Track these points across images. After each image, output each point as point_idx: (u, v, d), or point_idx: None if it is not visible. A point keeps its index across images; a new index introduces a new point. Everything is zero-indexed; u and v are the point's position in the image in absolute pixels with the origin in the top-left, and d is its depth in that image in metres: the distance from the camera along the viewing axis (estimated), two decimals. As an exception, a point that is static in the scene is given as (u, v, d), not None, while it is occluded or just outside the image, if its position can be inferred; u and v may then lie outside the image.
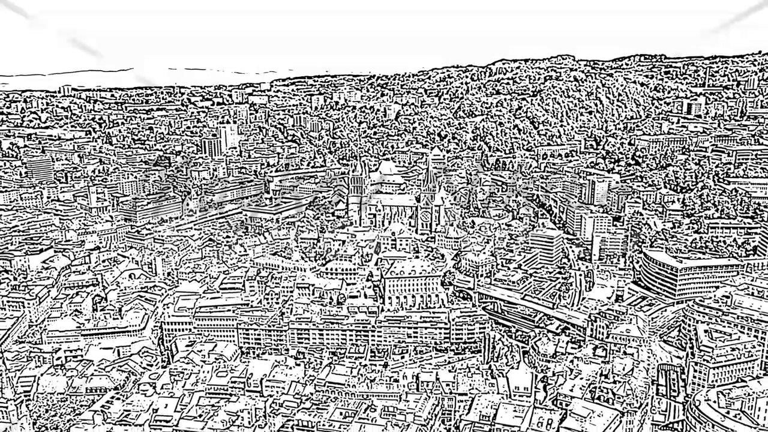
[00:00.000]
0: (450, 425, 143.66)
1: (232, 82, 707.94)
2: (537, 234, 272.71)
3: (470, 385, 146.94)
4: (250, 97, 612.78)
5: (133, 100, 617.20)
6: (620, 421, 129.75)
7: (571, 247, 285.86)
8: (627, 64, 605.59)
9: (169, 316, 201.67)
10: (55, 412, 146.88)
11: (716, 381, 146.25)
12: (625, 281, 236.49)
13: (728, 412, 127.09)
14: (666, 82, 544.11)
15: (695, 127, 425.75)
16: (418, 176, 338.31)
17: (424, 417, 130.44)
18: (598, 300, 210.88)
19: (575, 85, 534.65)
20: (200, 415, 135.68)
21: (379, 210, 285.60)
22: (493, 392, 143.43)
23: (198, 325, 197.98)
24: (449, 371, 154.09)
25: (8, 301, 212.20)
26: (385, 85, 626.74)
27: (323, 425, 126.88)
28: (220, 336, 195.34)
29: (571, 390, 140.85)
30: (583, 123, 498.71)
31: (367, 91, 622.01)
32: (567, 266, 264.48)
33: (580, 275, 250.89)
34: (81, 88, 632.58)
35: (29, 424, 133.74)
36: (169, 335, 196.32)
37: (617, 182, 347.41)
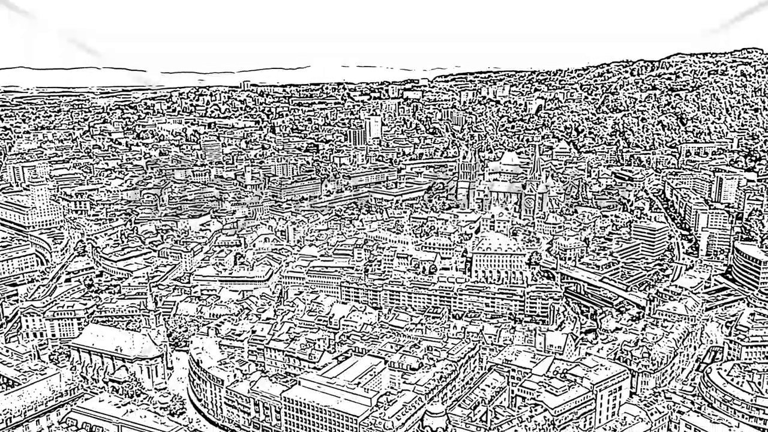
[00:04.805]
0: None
1: (396, 78, 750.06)
2: (639, 225, 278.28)
3: (509, 339, 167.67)
4: (406, 92, 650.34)
5: (301, 94, 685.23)
6: (630, 379, 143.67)
7: (682, 241, 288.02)
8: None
9: (287, 272, 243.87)
10: (185, 328, 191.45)
11: (749, 359, 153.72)
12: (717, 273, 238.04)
13: (732, 380, 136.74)
14: None
15: None
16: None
17: (457, 357, 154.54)
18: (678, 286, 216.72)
19: (741, 80, 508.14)
20: (285, 339, 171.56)
21: (487, 195, 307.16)
22: (528, 346, 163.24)
23: (309, 280, 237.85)
24: (494, 326, 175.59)
25: (170, 252, 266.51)
26: (543, 81, 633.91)
27: (374, 353, 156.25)
28: (327, 291, 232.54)
29: (599, 351, 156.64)
30: (745, 120, 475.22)
31: (523, 86, 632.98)
32: (668, 258, 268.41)
33: (680, 267, 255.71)
34: (261, 84, 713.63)
35: (164, 333, 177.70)
36: (285, 286, 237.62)
37: (749, 180, 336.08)
